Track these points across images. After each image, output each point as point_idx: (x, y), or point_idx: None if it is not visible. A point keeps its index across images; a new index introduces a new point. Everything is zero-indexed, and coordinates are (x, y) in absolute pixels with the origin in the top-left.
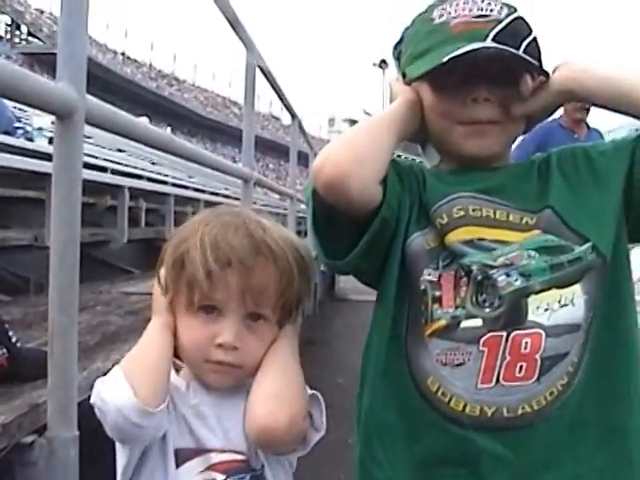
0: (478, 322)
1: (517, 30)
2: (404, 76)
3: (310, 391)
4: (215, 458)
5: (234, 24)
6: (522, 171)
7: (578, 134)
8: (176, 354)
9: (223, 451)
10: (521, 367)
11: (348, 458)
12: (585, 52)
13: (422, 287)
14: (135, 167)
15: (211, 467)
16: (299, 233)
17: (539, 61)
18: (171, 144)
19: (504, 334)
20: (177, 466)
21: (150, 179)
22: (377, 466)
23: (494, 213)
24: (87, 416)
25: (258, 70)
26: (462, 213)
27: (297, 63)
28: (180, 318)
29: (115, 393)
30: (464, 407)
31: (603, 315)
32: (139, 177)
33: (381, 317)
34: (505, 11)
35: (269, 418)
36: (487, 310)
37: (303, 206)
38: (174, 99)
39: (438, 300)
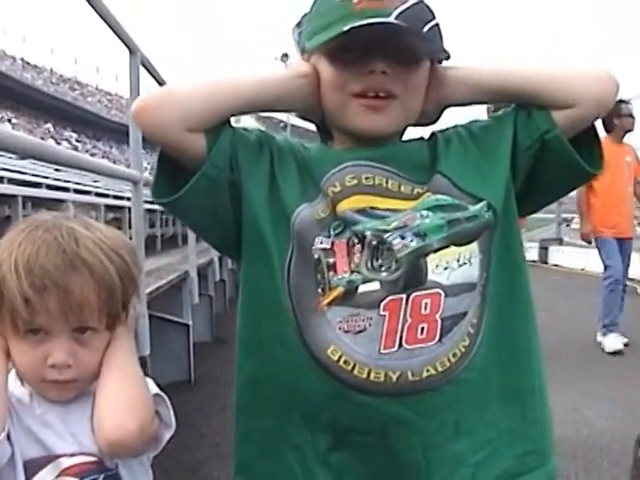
0: (376, 286)
1: (421, 13)
2: (303, 53)
3: (154, 390)
4: (66, 462)
5: (114, 28)
6: (413, 145)
7: None
8: None
9: (73, 455)
10: (422, 329)
11: None
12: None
13: (316, 256)
14: (35, 175)
15: (63, 472)
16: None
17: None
18: (45, 151)
19: (404, 296)
20: (28, 478)
21: (50, 186)
22: (289, 448)
23: (386, 182)
24: None
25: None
26: (355, 182)
27: (200, 60)
28: (10, 341)
29: None
30: (368, 374)
31: (497, 276)
32: (38, 185)
33: (255, 289)
34: None
35: (119, 431)
36: (384, 274)
37: None
38: (77, 103)
39: (333, 267)
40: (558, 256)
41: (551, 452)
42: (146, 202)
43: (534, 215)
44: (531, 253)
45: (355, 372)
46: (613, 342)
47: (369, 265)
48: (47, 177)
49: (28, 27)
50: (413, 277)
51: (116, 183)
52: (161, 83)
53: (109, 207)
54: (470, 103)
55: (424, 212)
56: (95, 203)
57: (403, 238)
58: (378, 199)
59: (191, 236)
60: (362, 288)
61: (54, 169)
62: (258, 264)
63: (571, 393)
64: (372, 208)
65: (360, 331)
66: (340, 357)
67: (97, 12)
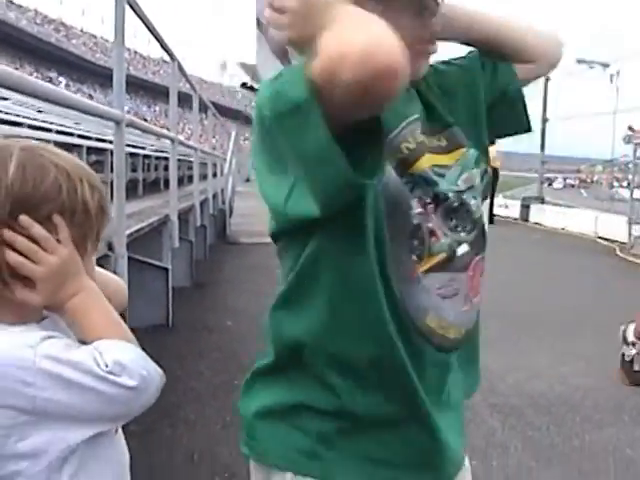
0: (466, 247)
1: None
2: None
3: None
4: None
5: None
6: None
7: None
8: None
9: None
10: (476, 287)
11: (233, 399)
12: None
13: (415, 222)
14: (17, 115)
15: None
16: (182, 178)
17: None
18: (26, 85)
19: (480, 256)
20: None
21: (32, 126)
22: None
23: (434, 136)
24: None
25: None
26: (421, 138)
27: (191, 10)
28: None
29: None
30: (454, 334)
31: None
32: (19, 125)
33: (344, 259)
34: None
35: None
36: (463, 235)
37: (185, 149)
38: (62, 45)
39: (432, 232)
40: (539, 215)
41: None
42: (128, 145)
43: (516, 173)
44: (513, 211)
45: (449, 335)
46: None
47: (450, 226)
48: (29, 118)
49: None
50: (483, 237)
51: (99, 126)
52: (148, 26)
53: (91, 150)
54: (448, 40)
55: (474, 170)
56: (77, 144)
57: (475, 199)
58: (435, 156)
59: (173, 181)
60: (459, 251)
61: (37, 110)
62: (353, 236)
63: (546, 351)
64: (434, 165)
65: (454, 294)
66: (438, 323)
67: None
